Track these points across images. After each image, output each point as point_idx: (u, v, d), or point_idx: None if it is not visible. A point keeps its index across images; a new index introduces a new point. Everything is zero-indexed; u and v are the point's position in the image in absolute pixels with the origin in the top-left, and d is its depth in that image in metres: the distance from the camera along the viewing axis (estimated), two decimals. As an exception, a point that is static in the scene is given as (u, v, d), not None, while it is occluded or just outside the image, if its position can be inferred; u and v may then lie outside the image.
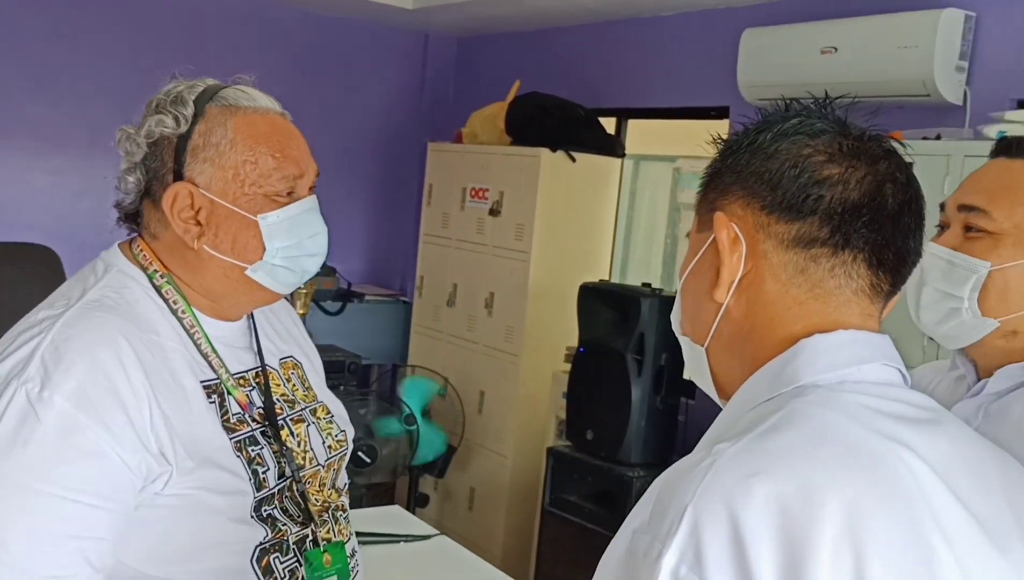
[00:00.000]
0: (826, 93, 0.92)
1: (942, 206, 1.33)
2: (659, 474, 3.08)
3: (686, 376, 1.00)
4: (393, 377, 4.78)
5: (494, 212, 4.28)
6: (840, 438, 0.77)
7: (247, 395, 1.30)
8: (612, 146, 4.26)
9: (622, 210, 4.57)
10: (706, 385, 0.94)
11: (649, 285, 3.62)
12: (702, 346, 0.92)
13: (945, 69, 3.03)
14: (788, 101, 0.91)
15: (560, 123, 4.11)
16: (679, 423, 3.62)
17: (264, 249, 1.26)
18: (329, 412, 1.43)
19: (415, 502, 4.19)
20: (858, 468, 0.76)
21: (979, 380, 1.33)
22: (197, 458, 1.19)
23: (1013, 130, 2.54)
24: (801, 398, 0.81)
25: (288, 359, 1.43)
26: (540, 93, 4.24)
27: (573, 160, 4.11)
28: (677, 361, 3.50)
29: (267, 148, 1.26)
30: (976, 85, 3.08)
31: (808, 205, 0.84)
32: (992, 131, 2.59)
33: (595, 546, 3.78)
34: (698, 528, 0.72)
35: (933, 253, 1.28)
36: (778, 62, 3.43)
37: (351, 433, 1.46)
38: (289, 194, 1.27)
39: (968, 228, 1.27)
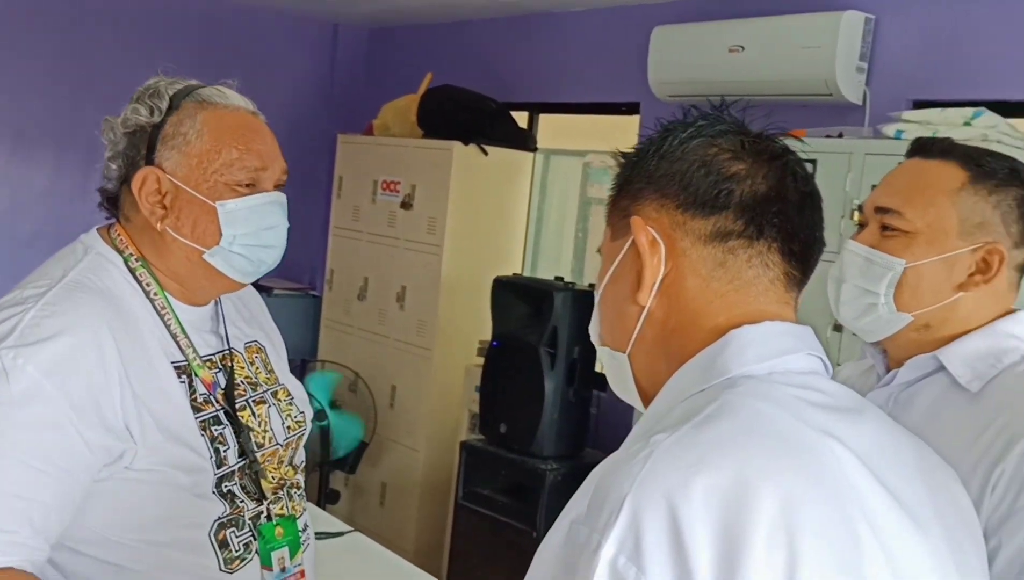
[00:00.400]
0: (722, 99, 0.96)
1: (860, 207, 1.39)
2: (571, 467, 3.15)
3: (614, 387, 1.01)
4: (302, 372, 4.71)
5: (406, 205, 4.25)
6: (773, 429, 0.79)
7: (213, 376, 1.38)
8: (524, 140, 4.28)
9: (533, 204, 4.58)
10: (629, 394, 0.96)
11: (562, 279, 3.64)
12: (624, 353, 0.93)
13: (846, 69, 3.13)
14: (688, 108, 0.95)
15: (472, 116, 4.11)
16: (591, 415, 3.66)
17: (221, 235, 1.33)
18: (289, 394, 1.51)
19: (325, 499, 4.13)
20: (790, 458, 0.77)
21: (888, 370, 1.39)
22: (166, 434, 1.28)
23: (910, 129, 2.63)
24: (733, 389, 0.83)
25: (253, 343, 1.51)
26: (452, 86, 4.22)
27: (485, 153, 4.11)
28: (589, 354, 3.54)
29: (231, 140, 1.34)
30: (875, 85, 3.19)
31: (721, 200, 0.87)
32: (891, 130, 2.68)
33: (508, 539, 3.81)
34: (637, 519, 0.72)
35: (852, 250, 1.34)
36: (687, 60, 3.49)
37: (310, 414, 1.55)
38: (250, 186, 1.35)
39: (885, 227, 1.32)
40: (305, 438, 1.52)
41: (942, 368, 1.30)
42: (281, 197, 1.40)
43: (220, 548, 1.32)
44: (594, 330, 0.98)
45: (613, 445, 3.49)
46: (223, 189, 1.33)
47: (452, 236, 4.09)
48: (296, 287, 5.01)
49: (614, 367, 0.95)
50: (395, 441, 4.27)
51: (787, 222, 0.89)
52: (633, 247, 0.90)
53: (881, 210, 1.33)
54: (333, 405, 4.00)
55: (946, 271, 1.29)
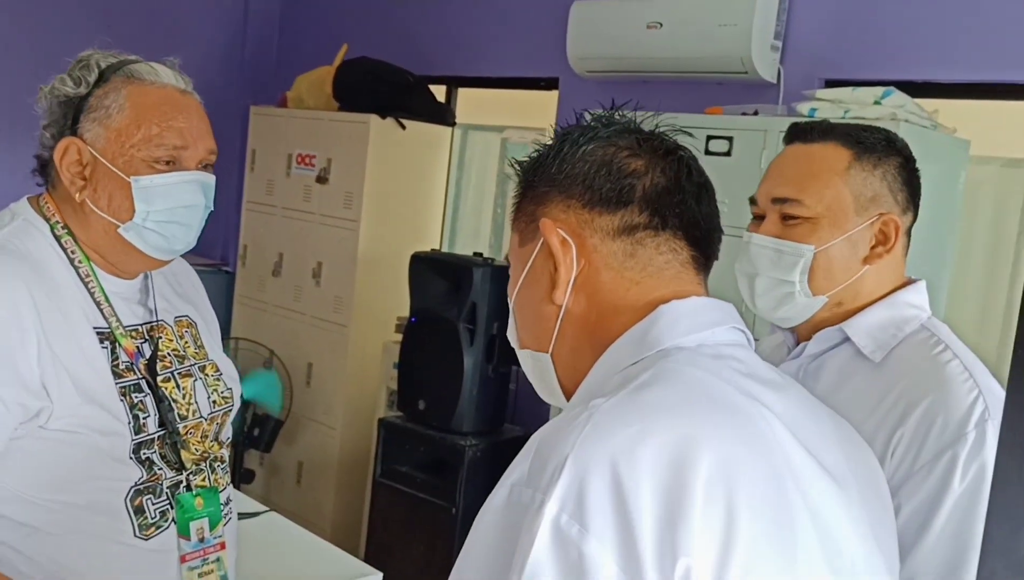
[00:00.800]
0: (612, 101, 1.01)
1: (752, 200, 1.41)
2: (490, 443, 3.16)
3: (537, 389, 1.03)
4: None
5: (322, 179, 4.17)
6: (708, 393, 0.83)
7: (137, 346, 1.40)
8: (443, 114, 4.23)
9: (452, 179, 4.55)
10: (552, 393, 0.98)
11: (480, 254, 3.62)
12: (547, 352, 0.95)
13: (761, 48, 3.17)
14: (580, 113, 1.02)
15: (390, 89, 4.04)
16: (510, 391, 3.66)
17: (135, 210, 1.34)
18: (218, 370, 1.53)
19: (240, 478, 4.05)
20: (727, 423, 0.81)
21: (798, 344, 1.44)
22: (84, 396, 1.30)
23: (823, 108, 2.68)
24: (667, 359, 0.86)
25: (184, 318, 1.52)
26: (369, 58, 4.15)
27: (403, 127, 4.05)
28: (508, 330, 3.54)
29: (152, 116, 1.35)
30: (788, 64, 3.24)
31: (624, 196, 0.92)
32: (804, 108, 2.72)
33: (427, 515, 3.80)
34: (579, 477, 0.74)
35: (758, 244, 1.37)
36: (606, 35, 3.49)
37: (238, 391, 1.56)
38: (169, 164, 1.36)
39: (785, 217, 1.36)
40: (233, 414, 1.54)
41: (848, 339, 1.35)
42: (204, 177, 1.40)
43: (135, 514, 1.34)
44: (512, 334, 1.00)
45: (532, 421, 3.54)
46: (139, 164, 1.34)
47: (369, 211, 4.03)
48: (208, 263, 4.88)
49: (537, 368, 0.98)
50: (311, 419, 4.21)
51: (687, 211, 0.93)
52: (544, 249, 0.93)
53: (779, 201, 1.36)
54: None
55: (851, 248, 1.34)
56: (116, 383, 1.34)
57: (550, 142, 0.97)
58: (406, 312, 3.85)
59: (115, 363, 1.35)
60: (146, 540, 1.35)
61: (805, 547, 0.79)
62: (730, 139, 2.82)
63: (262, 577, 1.94)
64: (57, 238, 1.37)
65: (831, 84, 3.13)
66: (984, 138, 2.91)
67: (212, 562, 1.42)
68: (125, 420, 1.33)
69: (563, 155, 0.94)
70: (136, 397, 1.36)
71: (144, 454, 1.35)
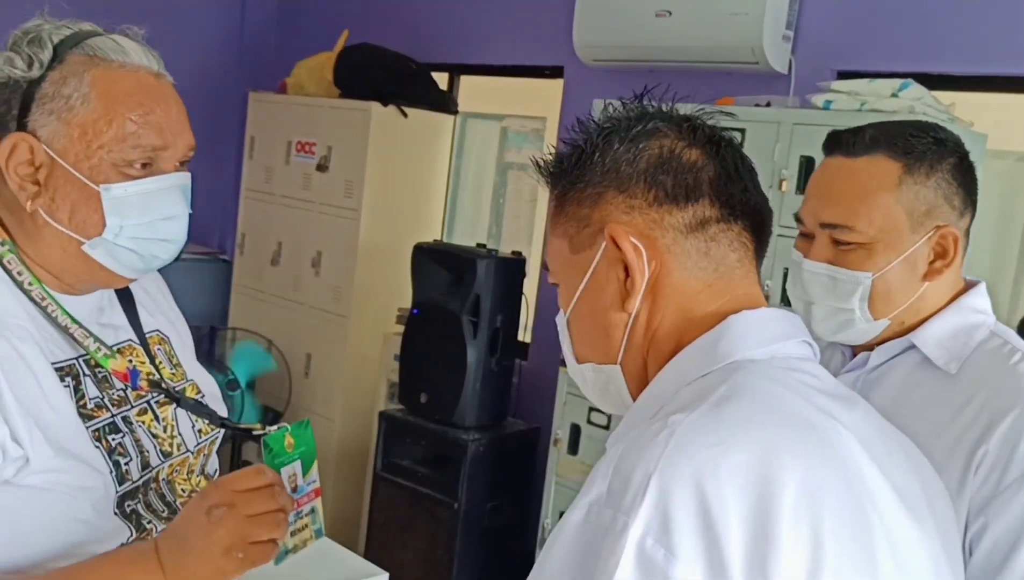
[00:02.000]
0: (645, 87, 0.94)
1: (798, 218, 1.35)
2: (493, 437, 3.09)
3: (596, 402, 0.98)
4: (212, 339, 4.54)
5: (322, 167, 4.10)
6: (787, 410, 0.79)
7: (129, 366, 1.16)
8: (445, 102, 4.16)
9: (453, 168, 4.49)
10: (620, 405, 0.93)
11: (484, 246, 3.56)
12: (615, 364, 0.90)
13: (773, 38, 3.11)
14: (606, 103, 0.94)
15: (392, 76, 3.97)
16: (512, 385, 3.61)
17: (105, 225, 1.11)
18: (199, 391, 1.30)
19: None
20: (807, 440, 0.78)
21: (854, 355, 1.38)
22: (55, 447, 1.06)
23: (839, 100, 2.63)
24: (740, 372, 0.82)
25: (154, 334, 1.29)
26: (371, 44, 4.08)
27: (405, 115, 3.98)
28: (512, 323, 3.48)
29: (125, 110, 1.10)
30: (800, 55, 3.18)
31: (693, 189, 0.87)
32: (819, 100, 2.67)
33: (429, 510, 3.74)
34: (663, 499, 0.71)
35: (811, 270, 1.30)
36: (613, 23, 3.42)
37: (222, 412, 1.32)
38: (145, 167, 1.12)
39: (837, 241, 1.29)
40: (219, 442, 1.32)
41: (911, 347, 1.30)
42: (184, 179, 1.16)
43: None
44: (568, 351, 0.95)
45: (534, 415, 3.48)
46: (110, 170, 1.09)
47: (370, 200, 3.96)
48: (205, 251, 4.81)
49: (600, 381, 0.93)
50: (310, 410, 4.16)
51: (750, 199, 0.89)
52: (607, 255, 0.88)
53: (828, 226, 1.29)
54: (251, 385, 3.86)
55: (910, 269, 1.27)
56: (87, 427, 1.11)
57: (579, 139, 0.91)
58: (407, 303, 3.79)
59: (81, 403, 1.12)
60: None
61: (884, 570, 0.76)
62: (742, 131, 2.77)
63: (264, 574, 1.89)
64: None
65: (843, 75, 3.08)
66: (996, 132, 2.86)
67: (306, 515, 1.16)
68: (105, 470, 1.10)
69: (615, 152, 0.88)
70: (113, 439, 1.13)
71: (129, 506, 1.13)
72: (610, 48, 3.47)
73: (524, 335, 3.75)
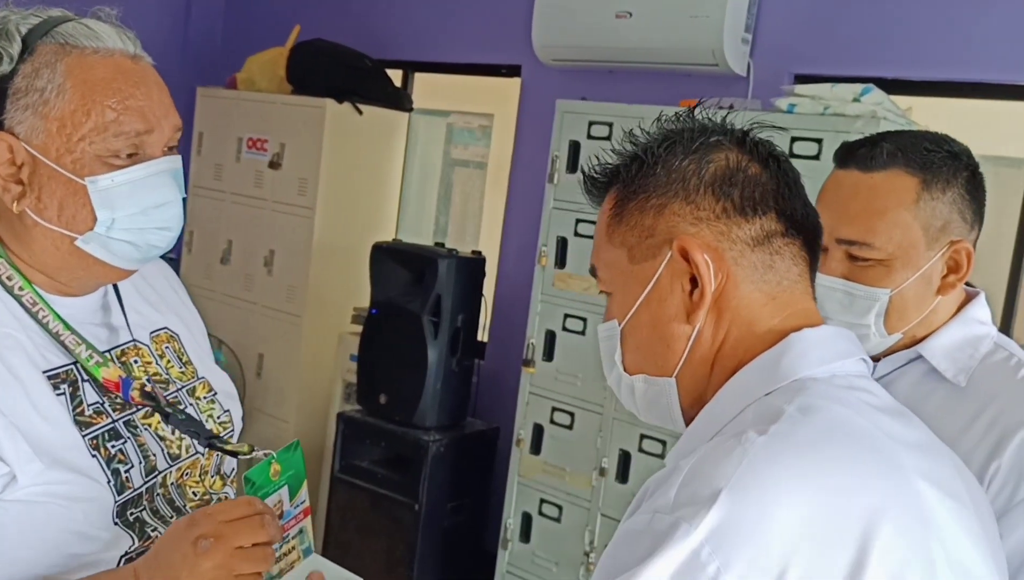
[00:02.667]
0: (699, 101, 0.96)
1: None
2: (454, 438, 3.07)
3: (639, 413, 0.97)
4: (158, 339, 4.44)
5: (274, 165, 4.03)
6: (854, 432, 0.80)
7: (121, 373, 1.12)
8: (400, 99, 4.13)
9: (408, 166, 4.45)
10: (670, 418, 0.93)
11: (442, 245, 3.55)
12: (671, 377, 0.90)
13: (732, 40, 3.15)
14: (661, 114, 0.94)
15: (347, 73, 3.93)
16: (473, 385, 3.60)
17: (96, 219, 1.07)
18: (211, 390, 1.26)
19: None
20: (874, 463, 0.78)
21: None
22: (46, 459, 1.02)
23: (802, 104, 2.67)
24: (805, 391, 0.82)
25: (162, 331, 1.25)
26: (324, 40, 4.02)
27: (360, 112, 3.94)
28: (472, 323, 3.47)
29: (103, 97, 1.05)
30: (758, 58, 3.23)
31: (760, 203, 0.87)
32: (783, 103, 2.71)
33: (389, 511, 3.71)
34: (730, 514, 0.71)
35: (827, 286, 1.29)
36: (573, 23, 3.43)
37: (237, 412, 1.29)
38: (132, 156, 1.08)
39: (853, 257, 1.28)
40: (235, 440, 1.27)
41: (918, 357, 1.31)
42: (174, 163, 1.12)
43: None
44: (618, 361, 0.94)
45: (494, 415, 3.49)
46: (94, 162, 1.06)
47: (324, 198, 3.91)
48: (150, 249, 4.70)
49: (652, 393, 0.92)
50: (263, 411, 4.09)
51: (810, 214, 0.90)
52: (671, 267, 0.87)
53: (845, 242, 1.28)
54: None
55: (925, 284, 1.28)
56: (84, 435, 1.07)
57: (635, 148, 0.91)
58: (363, 302, 3.75)
59: (78, 410, 1.08)
60: None
61: None
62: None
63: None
64: None
65: (800, 79, 3.13)
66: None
67: (293, 538, 1.12)
68: (103, 479, 1.07)
69: (679, 163, 0.88)
70: (112, 447, 1.09)
71: (132, 514, 1.10)
72: (569, 48, 3.48)
73: (482, 335, 3.74)
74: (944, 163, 1.28)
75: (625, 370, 0.93)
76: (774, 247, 0.87)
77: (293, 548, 1.12)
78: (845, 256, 1.29)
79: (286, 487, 1.09)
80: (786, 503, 0.72)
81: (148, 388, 1.14)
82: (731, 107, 2.94)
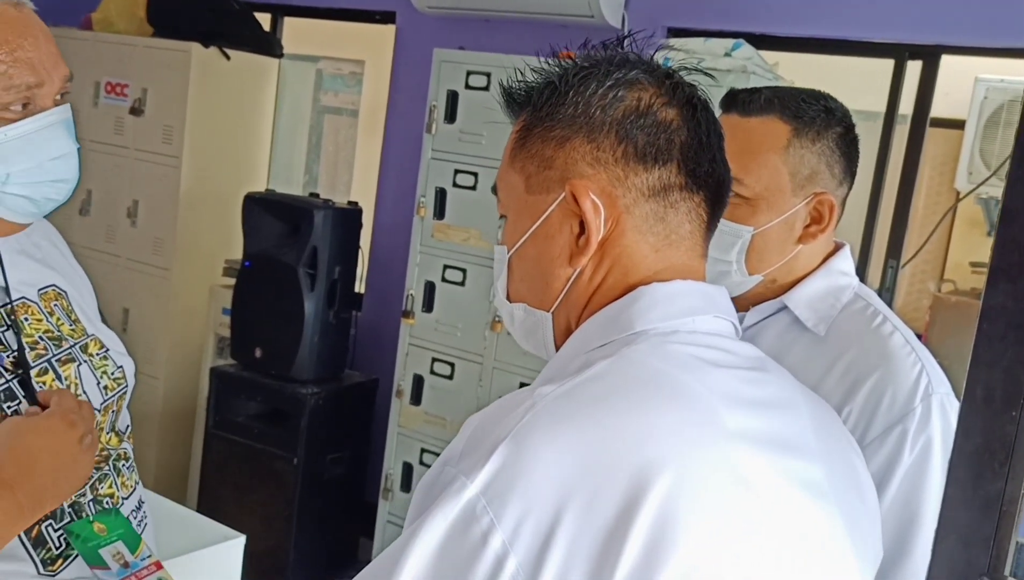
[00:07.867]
0: (629, 31, 0.91)
1: None
2: (332, 390, 3.09)
3: (519, 340, 0.95)
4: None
5: (136, 111, 3.85)
6: (660, 387, 0.77)
7: (1, 336, 1.11)
8: (270, 45, 4.00)
9: (279, 113, 4.32)
10: (543, 348, 0.91)
11: (317, 195, 3.48)
12: (548, 311, 0.88)
13: (607, -8, 3.17)
14: (586, 41, 0.89)
15: (212, 16, 3.77)
16: (351, 337, 3.57)
17: None
18: (103, 346, 1.25)
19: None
20: (675, 420, 0.75)
21: None
22: None
23: (676, 57, 2.72)
24: (632, 345, 0.80)
25: (50, 289, 1.23)
26: (187, -20, 3.84)
27: (228, 57, 3.80)
28: (350, 274, 3.43)
29: None
30: (633, 10, 3.27)
31: (663, 151, 0.83)
32: (660, 57, 2.74)
33: (266, 466, 3.66)
34: (505, 467, 0.70)
35: None
36: (449, -30, 3.38)
37: (130, 367, 1.29)
38: (24, 107, 1.07)
39: None
40: (128, 397, 1.28)
41: (783, 308, 1.35)
42: (65, 112, 1.13)
43: (35, 547, 1.10)
44: (502, 286, 0.91)
45: (372, 367, 3.50)
46: None
47: (191, 147, 3.77)
48: (0, 199, 4.44)
49: (530, 323, 0.90)
50: (129, 368, 3.95)
51: (717, 170, 0.87)
52: (562, 207, 0.84)
53: None
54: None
55: (787, 230, 1.32)
56: None
57: (553, 75, 0.85)
58: (234, 255, 3.65)
59: None
60: (54, 576, 1.11)
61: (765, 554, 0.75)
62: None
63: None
64: None
65: (673, 32, 3.20)
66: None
67: None
68: None
69: (589, 95, 0.83)
70: (9, 407, 1.08)
71: None
72: (446, -5, 3.43)
73: (359, 286, 3.71)
74: (818, 115, 1.32)
75: (508, 297, 0.91)
76: (670, 200, 0.84)
77: None
78: None
79: (121, 542, 1.15)
80: (558, 456, 0.70)
81: (13, 361, 1.12)
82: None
